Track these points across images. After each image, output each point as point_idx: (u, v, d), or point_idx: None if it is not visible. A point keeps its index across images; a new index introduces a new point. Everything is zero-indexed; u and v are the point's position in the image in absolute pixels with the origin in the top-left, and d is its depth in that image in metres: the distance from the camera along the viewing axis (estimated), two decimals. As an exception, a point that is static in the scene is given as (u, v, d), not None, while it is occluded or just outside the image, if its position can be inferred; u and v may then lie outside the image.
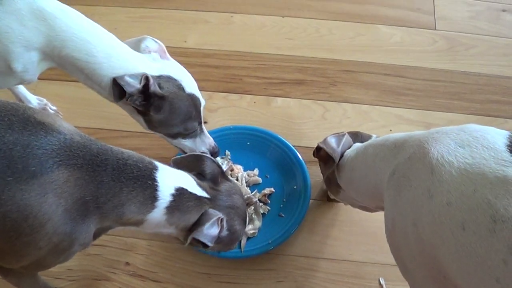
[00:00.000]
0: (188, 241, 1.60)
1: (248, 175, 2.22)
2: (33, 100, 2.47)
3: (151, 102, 1.84)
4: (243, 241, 2.05)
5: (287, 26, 2.77)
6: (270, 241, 2.05)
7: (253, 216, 2.10)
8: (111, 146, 1.54)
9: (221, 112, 2.46)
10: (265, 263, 2.06)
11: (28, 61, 1.80)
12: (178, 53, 2.62)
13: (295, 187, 2.18)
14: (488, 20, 2.79)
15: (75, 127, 2.35)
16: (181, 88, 1.92)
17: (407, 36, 2.72)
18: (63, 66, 1.88)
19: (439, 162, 1.30)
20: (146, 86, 1.79)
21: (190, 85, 1.97)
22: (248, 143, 2.30)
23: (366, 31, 2.74)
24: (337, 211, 2.17)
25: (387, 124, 2.39)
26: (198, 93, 1.98)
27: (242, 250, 2.04)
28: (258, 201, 2.14)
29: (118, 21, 2.80)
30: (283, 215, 2.13)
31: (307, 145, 2.33)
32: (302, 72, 2.58)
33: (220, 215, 1.62)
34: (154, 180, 1.53)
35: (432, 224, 1.28)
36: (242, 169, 2.24)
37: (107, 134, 2.41)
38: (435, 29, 2.75)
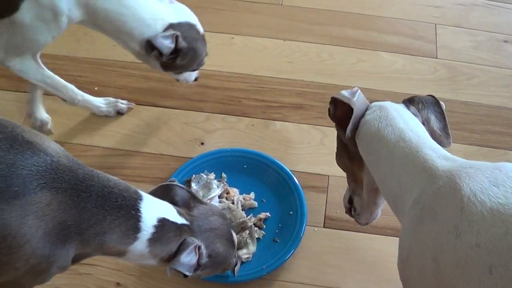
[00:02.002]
0: (169, 273, 1.58)
1: (244, 199, 2.19)
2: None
3: (178, 54, 2.09)
4: (237, 266, 2.02)
5: (288, 49, 2.75)
6: (264, 267, 2.02)
7: (247, 240, 2.06)
8: (98, 172, 1.51)
9: (218, 134, 2.44)
10: (258, 289, 2.03)
11: (70, 3, 1.96)
12: (177, 73, 2.61)
13: (291, 212, 2.15)
14: (490, 50, 2.78)
15: (70, 143, 2.35)
16: (198, 32, 2.19)
17: (408, 64, 2.71)
18: (94, 19, 2.07)
19: (471, 201, 1.25)
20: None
21: (200, 25, 2.21)
22: (245, 166, 2.27)
23: (367, 57, 2.73)
24: (333, 238, 2.14)
25: (386, 152, 2.36)
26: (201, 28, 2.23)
27: (236, 275, 2.00)
28: (253, 225, 2.11)
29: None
30: (278, 240, 2.10)
31: (305, 170, 2.31)
32: (301, 96, 2.56)
33: (197, 242, 1.59)
34: (138, 210, 1.51)
35: (457, 263, 1.23)
36: (238, 193, 2.21)
37: (101, 151, 2.38)
38: (437, 58, 2.73)
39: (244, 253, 2.04)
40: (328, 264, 2.09)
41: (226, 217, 1.80)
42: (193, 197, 1.73)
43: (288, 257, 2.05)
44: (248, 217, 2.13)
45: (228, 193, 2.19)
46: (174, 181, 1.75)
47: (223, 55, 2.73)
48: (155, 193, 1.67)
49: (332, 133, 2.38)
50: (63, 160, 1.45)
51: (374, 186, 1.67)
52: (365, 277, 2.05)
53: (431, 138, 1.52)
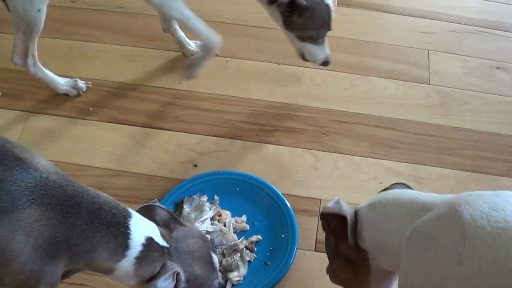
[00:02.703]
0: None
1: (235, 221, 2.19)
2: (192, 44, 2.78)
3: (295, 10, 2.22)
4: (228, 288, 2.03)
5: (282, 73, 2.77)
6: (254, 290, 2.02)
7: (238, 263, 2.07)
8: (88, 188, 1.52)
9: (211, 156, 2.44)
10: (249, 312, 2.03)
11: None
12: (172, 95, 2.65)
13: (283, 235, 2.16)
14: (482, 77, 2.80)
15: (64, 162, 2.36)
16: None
17: (401, 89, 2.72)
18: None
19: (472, 227, 1.26)
20: None
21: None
22: (237, 189, 2.28)
23: (360, 82, 2.75)
24: (324, 262, 2.11)
25: (378, 176, 2.38)
26: (331, 3, 2.31)
27: (227, 298, 2.01)
28: (244, 248, 2.11)
29: (113, 59, 2.80)
30: (269, 263, 2.10)
31: (297, 193, 2.31)
32: (294, 120, 2.57)
33: (176, 268, 1.57)
34: (127, 228, 1.52)
35: None
36: (230, 215, 2.21)
37: (94, 171, 2.39)
38: (429, 84, 2.75)
39: (235, 276, 2.04)
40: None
41: (206, 239, 1.79)
42: (173, 218, 1.72)
43: (279, 280, 2.05)
44: (240, 240, 2.13)
45: (220, 215, 2.20)
46: (155, 202, 1.74)
47: (218, 78, 2.74)
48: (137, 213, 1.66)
49: (324, 157, 2.42)
50: (52, 176, 1.46)
51: (385, 280, 1.68)
52: (355, 302, 2.05)
53: (421, 193, 1.54)
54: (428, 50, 2.91)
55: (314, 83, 2.73)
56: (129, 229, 1.52)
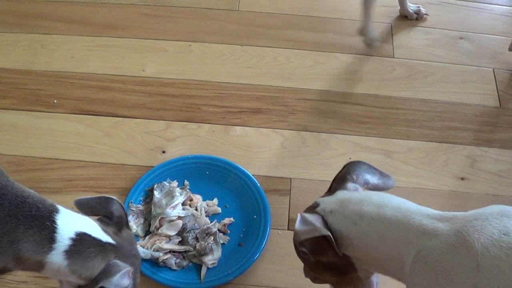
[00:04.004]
0: None
1: (207, 205, 2.19)
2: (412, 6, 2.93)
3: None
4: (203, 272, 2.02)
5: (246, 54, 2.76)
6: (230, 271, 2.03)
7: (212, 246, 2.07)
8: (14, 182, 1.53)
9: (179, 141, 2.44)
10: (225, 294, 2.03)
11: None
12: (136, 82, 2.63)
13: (255, 216, 2.16)
14: (446, 47, 2.82)
15: (31, 157, 2.34)
16: None
17: (365, 64, 2.73)
18: None
19: (485, 257, 1.22)
20: None
21: None
22: (207, 172, 2.28)
23: (324, 59, 2.75)
24: (297, 240, 2.14)
25: (346, 152, 2.38)
26: None
27: (202, 281, 2.01)
28: (217, 231, 2.11)
29: (75, 50, 2.78)
30: (243, 244, 2.11)
31: (267, 174, 2.31)
32: (260, 101, 2.57)
33: (130, 268, 1.57)
34: (53, 222, 1.52)
35: None
36: (201, 199, 2.21)
37: (62, 164, 2.37)
38: (394, 57, 2.76)
39: (209, 259, 2.04)
40: (294, 266, 2.08)
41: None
42: (127, 220, 1.72)
43: (254, 261, 2.05)
44: (212, 223, 2.13)
45: (191, 200, 2.19)
46: (115, 198, 1.72)
47: (181, 63, 2.73)
48: (86, 201, 1.65)
49: (292, 135, 2.42)
50: None
51: (369, 277, 1.66)
52: (330, 277, 2.06)
53: (408, 203, 1.49)
54: (391, 24, 2.91)
55: (278, 62, 2.73)
56: (56, 223, 1.52)
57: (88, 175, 2.33)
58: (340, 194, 1.58)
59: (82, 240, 1.54)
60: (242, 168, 2.27)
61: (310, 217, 1.54)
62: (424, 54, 2.79)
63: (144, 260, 2.05)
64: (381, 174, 1.64)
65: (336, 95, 2.59)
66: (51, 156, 2.40)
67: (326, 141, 2.43)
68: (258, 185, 2.22)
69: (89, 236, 1.56)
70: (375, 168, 1.65)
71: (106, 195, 1.71)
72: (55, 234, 1.51)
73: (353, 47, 2.80)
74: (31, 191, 1.55)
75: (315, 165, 2.36)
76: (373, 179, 1.63)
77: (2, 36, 2.80)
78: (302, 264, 2.07)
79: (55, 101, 2.57)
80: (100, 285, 1.54)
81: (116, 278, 1.54)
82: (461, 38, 2.85)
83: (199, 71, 2.69)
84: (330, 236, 1.48)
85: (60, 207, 1.57)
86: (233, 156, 2.36)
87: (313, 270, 1.69)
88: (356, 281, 1.69)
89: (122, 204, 1.71)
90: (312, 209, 1.59)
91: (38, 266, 1.53)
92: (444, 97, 2.61)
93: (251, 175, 2.25)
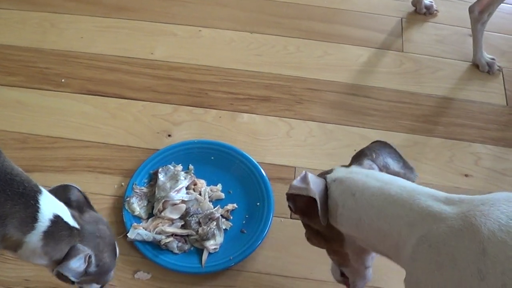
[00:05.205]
0: (54, 273, 1.59)
1: (211, 190, 2.19)
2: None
3: None
4: (204, 256, 2.03)
5: (256, 42, 2.76)
6: (231, 257, 2.03)
7: (215, 231, 2.07)
8: (4, 158, 1.55)
9: (185, 125, 2.44)
10: (226, 280, 2.04)
11: None
12: (144, 65, 2.63)
13: (258, 203, 2.16)
14: (455, 44, 2.81)
15: (37, 135, 2.35)
16: None
17: (374, 57, 2.73)
18: None
19: (491, 241, 1.21)
20: None
21: None
22: (212, 158, 2.28)
23: (334, 50, 2.74)
24: (300, 229, 2.11)
25: (351, 144, 2.38)
26: None
27: (203, 266, 2.01)
28: (220, 216, 2.11)
29: (85, 30, 2.77)
30: (245, 231, 2.11)
31: (271, 162, 2.32)
32: (268, 89, 2.57)
33: (88, 251, 1.60)
34: (36, 201, 1.54)
35: None
36: (205, 184, 2.21)
37: (67, 143, 2.37)
38: (403, 51, 2.76)
39: (211, 244, 2.05)
40: (295, 254, 2.10)
41: (110, 228, 1.78)
42: (88, 203, 1.75)
43: (255, 248, 2.06)
44: (215, 208, 2.13)
45: (195, 184, 2.19)
46: (73, 185, 1.75)
47: (191, 47, 2.72)
48: (52, 191, 1.68)
49: (298, 125, 2.42)
50: None
51: (361, 253, 1.63)
52: (330, 268, 2.06)
53: (414, 184, 1.47)
54: (402, 18, 2.91)
55: (287, 51, 2.73)
56: (38, 203, 1.55)
57: (93, 155, 2.33)
58: (353, 167, 1.57)
59: (57, 223, 1.57)
60: (247, 155, 2.27)
61: (312, 178, 1.54)
62: (433, 50, 2.78)
63: (146, 242, 2.06)
64: (405, 164, 1.60)
65: (344, 87, 2.59)
66: (56, 135, 2.40)
67: (332, 131, 2.43)
68: (263, 172, 2.22)
69: (62, 219, 1.59)
70: (400, 155, 1.61)
71: (64, 184, 1.73)
72: (37, 214, 1.54)
73: (363, 40, 2.79)
74: (19, 169, 1.58)
75: (320, 155, 2.36)
76: (394, 165, 1.59)
77: (12, 13, 2.80)
78: (303, 254, 2.09)
79: (62, 80, 2.57)
80: (57, 269, 1.57)
81: (71, 263, 1.57)
82: (470, 35, 2.84)
83: (208, 57, 2.68)
84: (316, 200, 1.48)
85: (42, 189, 1.60)
86: (239, 142, 2.36)
87: (305, 228, 1.69)
88: (344, 256, 1.68)
89: (79, 188, 1.74)
90: (324, 174, 1.59)
91: (16, 245, 1.55)
92: (451, 93, 2.61)
93: (256, 162, 2.25)
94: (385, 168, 1.58)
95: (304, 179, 1.53)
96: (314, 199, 1.49)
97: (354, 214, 1.49)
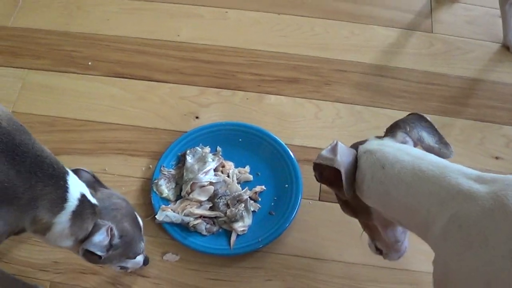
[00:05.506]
0: (80, 253, 1.61)
1: (239, 172, 2.19)
2: None
3: None
4: (233, 238, 2.02)
5: (282, 23, 2.73)
6: (260, 239, 2.02)
7: (243, 213, 2.06)
8: (34, 140, 1.56)
9: (213, 107, 2.43)
10: (254, 261, 2.03)
11: None
12: (171, 47, 2.62)
13: (287, 185, 2.15)
14: (485, 25, 2.76)
15: (64, 118, 2.35)
16: None
17: (402, 38, 2.69)
18: None
19: None
20: None
21: None
22: (240, 139, 2.27)
23: (361, 31, 2.71)
24: (328, 211, 2.14)
25: (380, 126, 2.33)
26: None
27: (232, 247, 2.01)
28: (248, 198, 2.11)
29: (111, 12, 2.77)
30: (273, 213, 2.10)
31: (300, 143, 2.30)
32: (296, 70, 2.55)
33: (108, 224, 1.62)
34: (65, 182, 1.57)
35: None
36: (233, 166, 2.21)
37: (95, 126, 2.38)
38: (432, 32, 2.72)
39: (239, 226, 2.04)
40: (323, 237, 2.09)
41: (128, 201, 1.79)
42: (97, 181, 1.77)
43: (284, 230, 2.05)
44: (244, 190, 2.13)
45: (223, 166, 2.19)
46: (79, 168, 1.77)
47: (217, 29, 2.71)
48: None
49: (326, 106, 2.41)
50: (3, 123, 1.51)
51: (389, 226, 1.61)
52: (360, 250, 2.04)
53: (446, 161, 1.45)
54: (431, -2, 2.88)
55: (314, 32, 2.70)
56: (67, 184, 1.57)
57: (121, 138, 2.34)
58: (385, 139, 1.56)
59: (83, 202, 1.60)
60: (275, 137, 2.26)
61: (342, 148, 1.52)
62: (463, 31, 2.74)
63: (174, 224, 2.06)
64: (440, 139, 1.57)
65: (372, 68, 2.56)
66: (84, 118, 2.40)
67: (360, 113, 2.41)
68: (291, 154, 2.21)
69: (87, 197, 1.62)
70: (436, 130, 1.58)
71: (71, 168, 1.73)
72: (67, 194, 1.56)
73: (390, 20, 2.75)
74: (49, 151, 1.59)
75: (348, 137, 2.32)
76: (429, 139, 1.56)
77: (38, -4, 2.80)
78: (331, 236, 2.08)
79: (89, 63, 2.57)
80: (82, 247, 1.59)
81: (95, 238, 1.59)
82: (500, 16, 2.80)
83: (235, 38, 2.66)
84: (341, 172, 1.47)
85: (68, 170, 1.62)
86: (266, 124, 2.34)
87: (337, 200, 1.67)
88: (373, 229, 1.68)
89: (86, 170, 1.76)
90: (357, 144, 1.58)
91: (46, 228, 1.57)
92: (481, 75, 2.57)
93: (284, 144, 2.24)
94: (419, 142, 1.55)
95: (334, 149, 1.52)
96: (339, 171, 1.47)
97: (382, 188, 1.47)
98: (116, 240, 1.65)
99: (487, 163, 2.28)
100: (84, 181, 1.69)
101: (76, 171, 1.72)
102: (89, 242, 1.58)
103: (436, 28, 2.73)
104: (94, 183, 1.74)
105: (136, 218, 1.76)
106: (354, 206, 1.61)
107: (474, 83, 2.54)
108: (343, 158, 1.50)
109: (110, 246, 1.63)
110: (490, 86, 2.54)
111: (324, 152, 1.53)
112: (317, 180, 1.59)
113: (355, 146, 1.57)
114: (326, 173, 1.54)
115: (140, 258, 1.84)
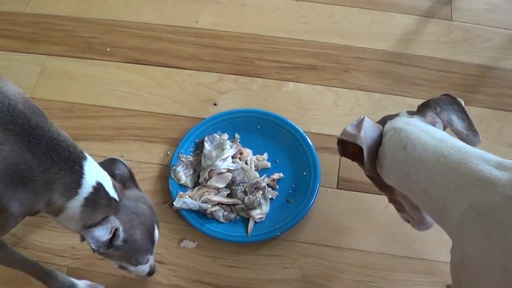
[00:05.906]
0: (80, 239, 1.58)
1: (257, 159, 2.18)
2: None
3: None
4: (250, 225, 2.02)
5: (301, 10, 2.72)
6: (277, 227, 2.02)
7: (261, 201, 2.06)
8: (51, 124, 1.56)
9: (231, 94, 2.42)
10: (271, 249, 2.03)
11: None
12: (190, 34, 2.62)
13: (305, 173, 2.14)
14: (506, 13, 2.74)
15: (82, 104, 2.35)
16: None
17: (422, 26, 2.67)
18: None
19: None
20: None
21: None
22: (258, 127, 2.27)
23: (381, 18, 2.69)
24: (346, 199, 2.13)
25: (400, 114, 2.34)
26: None
27: (249, 235, 2.01)
28: (266, 186, 2.10)
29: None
30: (291, 201, 2.10)
31: (318, 131, 2.29)
32: (315, 57, 2.53)
33: (117, 225, 1.59)
34: (81, 167, 1.56)
35: None
36: (251, 153, 2.20)
37: (113, 112, 2.38)
38: (451, 20, 2.69)
39: (257, 214, 2.04)
40: (341, 225, 2.08)
41: (155, 212, 1.76)
42: (133, 179, 1.75)
43: (301, 217, 2.05)
44: (262, 177, 2.12)
45: (241, 153, 2.18)
46: (120, 159, 1.77)
47: (236, 16, 2.70)
48: (100, 163, 1.69)
49: (345, 94, 2.40)
50: (19, 105, 1.50)
51: (413, 204, 1.59)
52: (377, 238, 2.04)
53: (469, 146, 1.43)
54: (451, -14, 2.85)
55: (334, 19, 2.68)
56: (83, 169, 1.56)
57: (139, 124, 2.34)
58: (413, 118, 1.54)
59: (99, 190, 1.58)
60: (294, 124, 2.25)
61: (368, 124, 1.52)
62: (483, 19, 2.71)
63: (192, 211, 2.06)
64: (470, 126, 1.54)
65: (392, 56, 2.54)
66: (102, 104, 2.41)
67: (379, 101, 2.40)
68: (309, 142, 2.20)
69: (104, 187, 1.60)
70: (467, 115, 1.55)
71: (113, 157, 1.75)
72: (82, 179, 1.55)
73: (411, 8, 2.73)
74: (66, 135, 1.58)
75: (367, 125, 2.32)
76: (458, 124, 1.54)
77: (57, -17, 2.80)
78: (349, 224, 2.07)
79: (107, 49, 2.57)
80: (82, 233, 1.57)
81: (96, 230, 1.56)
82: (521, 4, 2.78)
83: (253, 25, 2.65)
84: (363, 149, 1.47)
85: (87, 156, 1.61)
86: (284, 111, 2.33)
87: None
88: (398, 203, 1.68)
89: (126, 164, 1.75)
90: (387, 118, 1.57)
91: (59, 210, 1.57)
92: (501, 64, 2.55)
93: (302, 132, 2.23)
94: (448, 125, 1.54)
95: (359, 124, 1.52)
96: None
97: (402, 169, 1.47)
98: (118, 243, 1.62)
99: (506, 152, 2.26)
100: (118, 173, 1.70)
101: (113, 161, 1.73)
102: (88, 231, 1.55)
103: (456, 16, 2.71)
104: (127, 180, 1.73)
105: (153, 231, 1.72)
106: (377, 181, 1.61)
107: (493, 71, 2.52)
108: (367, 134, 1.50)
109: (111, 245, 1.60)
110: (510, 74, 2.51)
111: (348, 128, 1.53)
112: (339, 153, 1.60)
113: (384, 121, 1.56)
114: (349, 148, 1.56)
115: (143, 268, 1.80)
